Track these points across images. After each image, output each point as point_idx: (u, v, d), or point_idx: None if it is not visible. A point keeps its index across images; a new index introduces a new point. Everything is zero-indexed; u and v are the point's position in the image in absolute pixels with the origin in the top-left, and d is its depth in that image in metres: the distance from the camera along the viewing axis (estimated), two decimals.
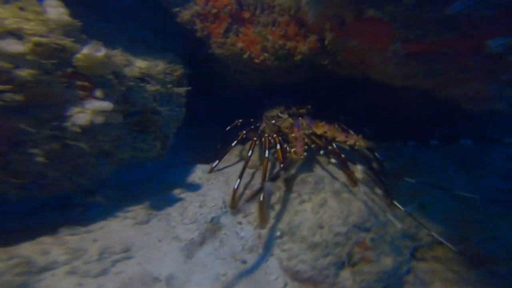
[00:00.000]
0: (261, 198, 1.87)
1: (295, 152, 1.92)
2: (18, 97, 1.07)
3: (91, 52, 1.22)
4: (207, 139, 3.21)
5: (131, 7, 2.57)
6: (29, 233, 1.37)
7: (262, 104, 2.88)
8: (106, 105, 1.32)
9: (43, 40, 1.12)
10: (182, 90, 2.31)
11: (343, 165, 2.01)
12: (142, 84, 1.86)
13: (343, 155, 2.00)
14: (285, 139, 2.23)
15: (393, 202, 1.86)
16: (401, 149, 2.47)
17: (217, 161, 2.48)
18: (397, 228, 1.78)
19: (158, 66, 2.12)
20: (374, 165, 2.13)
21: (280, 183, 2.03)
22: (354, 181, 1.99)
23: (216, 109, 3.38)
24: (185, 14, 2.23)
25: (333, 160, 2.04)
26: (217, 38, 2.26)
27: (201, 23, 2.23)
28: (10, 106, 1.08)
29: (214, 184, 2.30)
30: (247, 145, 2.64)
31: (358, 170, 1.86)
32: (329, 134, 2.01)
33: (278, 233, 1.80)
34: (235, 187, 2.03)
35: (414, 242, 1.85)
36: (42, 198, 1.46)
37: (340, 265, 1.63)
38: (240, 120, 2.90)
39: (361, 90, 2.36)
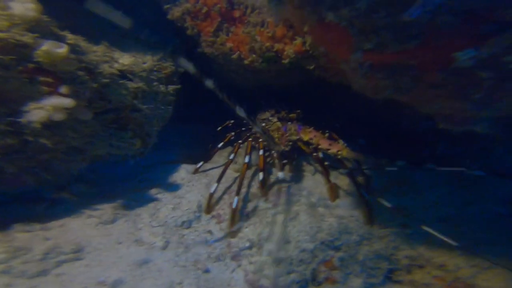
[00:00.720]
0: (234, 205, 1.87)
1: (279, 142, 1.90)
2: None
3: (51, 48, 1.22)
4: (201, 138, 3.21)
5: (130, 3, 2.58)
6: None
7: (258, 106, 2.85)
8: (67, 101, 1.32)
9: (2, 35, 1.13)
10: (170, 88, 2.30)
11: (325, 175, 1.97)
12: (121, 81, 1.85)
13: (326, 163, 1.96)
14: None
15: (378, 200, 1.77)
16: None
17: (201, 162, 2.47)
18: (372, 247, 1.71)
19: (145, 63, 2.12)
20: (360, 179, 2.06)
21: (256, 191, 2.00)
22: (334, 194, 1.94)
23: (212, 107, 3.37)
24: (176, 11, 2.21)
25: (326, 163, 1.99)
26: (207, 37, 2.23)
27: (192, 21, 2.21)
28: None
29: (194, 186, 2.28)
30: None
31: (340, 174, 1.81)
32: (314, 140, 1.95)
33: (247, 244, 1.77)
34: (212, 191, 2.02)
35: (391, 264, 1.77)
36: (7, 192, 1.47)
37: (304, 284, 1.58)
38: (232, 121, 2.89)
39: (353, 99, 2.27)
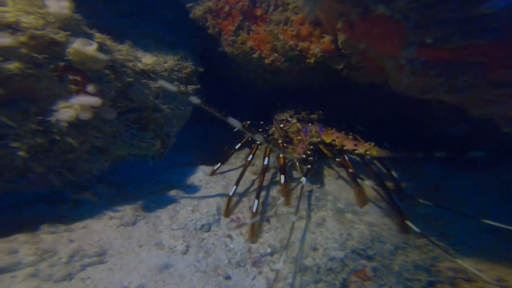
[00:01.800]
0: (254, 209, 1.85)
1: (293, 150, 1.87)
2: (1, 90, 1.10)
3: (81, 46, 1.23)
4: (216, 139, 3.21)
5: (150, 3, 2.60)
6: (9, 228, 1.40)
7: (275, 107, 2.83)
8: (94, 100, 1.33)
9: (37, 33, 1.14)
10: (190, 88, 2.32)
11: (352, 180, 1.92)
12: (144, 81, 1.87)
13: (351, 170, 1.90)
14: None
15: (407, 223, 1.66)
16: (425, 169, 2.31)
17: (219, 164, 2.47)
18: (408, 257, 1.64)
19: (166, 62, 2.13)
20: (389, 183, 1.99)
21: (276, 194, 1.98)
22: (362, 199, 1.90)
23: (230, 108, 3.37)
24: (197, 10, 2.23)
25: (350, 170, 1.92)
26: (228, 36, 2.23)
27: (213, 20, 2.22)
28: None
29: (212, 188, 2.28)
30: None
31: (366, 185, 1.77)
32: (337, 142, 1.91)
33: (269, 250, 1.76)
34: (230, 194, 2.01)
35: (431, 276, 1.68)
36: (32, 192, 1.49)
37: None
38: (248, 122, 2.88)
39: (383, 99, 2.22)
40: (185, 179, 2.35)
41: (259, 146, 2.34)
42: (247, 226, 1.87)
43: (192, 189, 2.22)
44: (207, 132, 3.38)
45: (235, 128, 2.92)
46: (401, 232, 1.72)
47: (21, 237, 1.35)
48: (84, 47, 1.25)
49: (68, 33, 1.26)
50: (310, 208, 1.85)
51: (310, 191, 1.97)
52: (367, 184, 1.78)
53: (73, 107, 1.28)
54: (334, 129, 2.04)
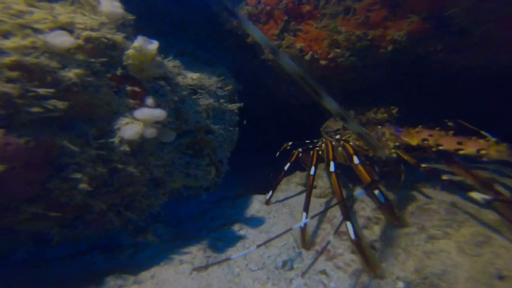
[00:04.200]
0: (353, 236, 1.48)
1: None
2: (61, 105, 0.90)
3: (143, 44, 1.05)
4: (252, 166, 2.98)
5: (182, 21, 2.52)
6: (72, 283, 1.16)
7: (320, 119, 2.59)
8: (159, 113, 1.13)
9: (93, 34, 0.97)
10: (234, 106, 2.14)
11: (489, 188, 1.43)
12: (194, 97, 1.69)
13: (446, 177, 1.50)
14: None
15: None
16: None
17: (270, 192, 2.22)
18: None
19: (210, 79, 1.97)
20: None
21: (372, 213, 1.68)
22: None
23: (263, 131, 3.18)
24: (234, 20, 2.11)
25: (445, 177, 1.51)
26: (271, 41, 2.09)
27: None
28: (51, 118, 0.91)
29: (277, 218, 2.02)
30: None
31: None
32: (431, 141, 1.56)
33: (400, 285, 1.37)
34: (303, 224, 1.70)
35: None
36: (87, 238, 1.25)
37: None
38: (290, 143, 2.64)
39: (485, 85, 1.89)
40: (242, 211, 2.11)
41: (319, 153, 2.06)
42: (342, 257, 1.57)
43: (255, 222, 1.97)
44: (239, 161, 3.16)
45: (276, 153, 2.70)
46: None
47: None
48: (146, 45, 1.06)
49: (124, 35, 1.09)
50: (445, 224, 1.45)
51: (430, 204, 1.56)
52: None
53: (137, 123, 1.07)
54: (420, 126, 1.72)
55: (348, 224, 1.52)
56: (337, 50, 1.85)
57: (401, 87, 2.11)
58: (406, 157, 1.72)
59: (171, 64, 1.58)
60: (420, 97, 2.14)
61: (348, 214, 1.57)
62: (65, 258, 1.32)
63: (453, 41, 1.51)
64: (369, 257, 1.44)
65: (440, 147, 1.54)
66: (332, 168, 1.76)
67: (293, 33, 2.04)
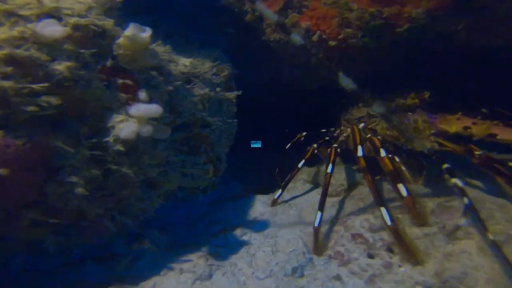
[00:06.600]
0: (389, 222, 1.51)
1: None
2: (55, 101, 0.95)
3: (135, 33, 1.10)
4: (252, 165, 3.02)
5: None
6: None
7: (339, 105, 2.64)
8: (155, 109, 1.18)
9: (82, 21, 1.01)
10: (232, 95, 2.19)
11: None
12: (188, 86, 1.74)
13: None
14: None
15: None
16: None
17: (280, 191, 2.29)
18: None
19: (204, 65, 2.02)
20: None
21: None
22: None
23: (264, 123, 3.23)
24: None
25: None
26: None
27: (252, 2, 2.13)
28: (43, 116, 0.95)
29: (283, 220, 2.10)
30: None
31: None
32: (474, 130, 1.60)
33: None
34: (317, 224, 1.78)
35: None
36: (79, 247, 1.32)
37: None
38: (304, 133, 2.70)
39: None
40: (243, 214, 2.20)
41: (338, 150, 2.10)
42: (358, 262, 1.65)
43: (258, 225, 2.05)
44: (237, 158, 3.21)
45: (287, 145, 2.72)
46: None
47: None
48: (139, 34, 1.11)
49: (113, 20, 1.14)
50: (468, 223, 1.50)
51: (452, 201, 1.65)
52: None
53: (132, 120, 1.13)
54: (460, 113, 1.77)
55: (383, 209, 1.59)
56: (348, 30, 1.91)
57: (420, 70, 2.18)
58: (450, 145, 1.75)
59: (161, 49, 1.63)
60: (441, 83, 2.21)
61: (382, 199, 1.65)
62: (57, 269, 1.39)
63: (475, 19, 1.57)
64: (408, 243, 1.51)
65: (498, 137, 1.58)
66: (360, 152, 1.81)
67: (297, 10, 2.08)
